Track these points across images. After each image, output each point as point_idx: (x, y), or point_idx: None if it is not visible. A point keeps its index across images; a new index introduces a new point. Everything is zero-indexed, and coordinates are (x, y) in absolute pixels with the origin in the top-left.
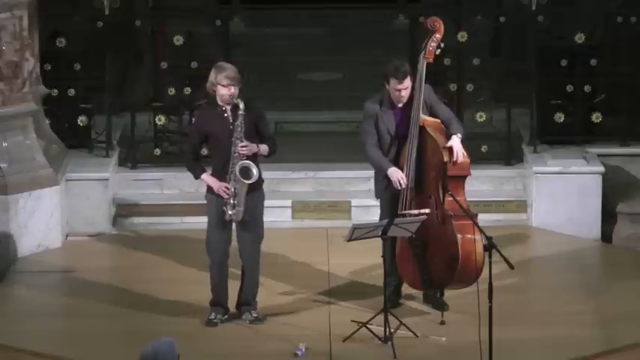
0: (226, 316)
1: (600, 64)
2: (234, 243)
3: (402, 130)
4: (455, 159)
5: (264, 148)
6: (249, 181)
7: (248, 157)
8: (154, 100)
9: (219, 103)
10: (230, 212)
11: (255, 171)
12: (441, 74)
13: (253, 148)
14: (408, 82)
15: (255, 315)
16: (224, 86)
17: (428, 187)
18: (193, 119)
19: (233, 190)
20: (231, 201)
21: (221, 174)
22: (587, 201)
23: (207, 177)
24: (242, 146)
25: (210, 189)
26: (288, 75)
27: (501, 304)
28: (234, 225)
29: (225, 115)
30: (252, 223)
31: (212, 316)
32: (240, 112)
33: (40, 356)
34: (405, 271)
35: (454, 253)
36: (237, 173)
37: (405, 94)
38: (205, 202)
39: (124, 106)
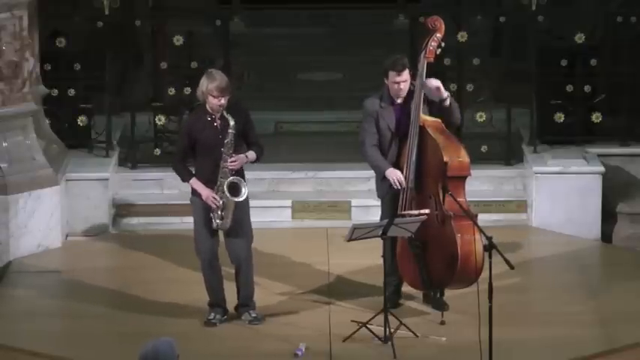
0: (225, 317)
1: (600, 64)
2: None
3: (402, 126)
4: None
5: (252, 156)
6: (238, 199)
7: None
8: (154, 100)
9: (209, 111)
10: (218, 221)
11: (244, 189)
12: (441, 74)
13: (242, 160)
14: (406, 75)
15: (254, 315)
16: (214, 97)
17: (428, 188)
18: (183, 122)
19: (221, 203)
20: (219, 212)
21: (207, 184)
22: (587, 201)
23: (195, 182)
24: (232, 161)
25: (195, 192)
26: (288, 75)
27: (501, 304)
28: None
29: (215, 124)
30: (238, 227)
31: (211, 317)
32: (230, 131)
33: (39, 356)
34: (405, 271)
35: (454, 253)
36: (226, 190)
37: (404, 87)
38: (190, 204)
39: (124, 106)
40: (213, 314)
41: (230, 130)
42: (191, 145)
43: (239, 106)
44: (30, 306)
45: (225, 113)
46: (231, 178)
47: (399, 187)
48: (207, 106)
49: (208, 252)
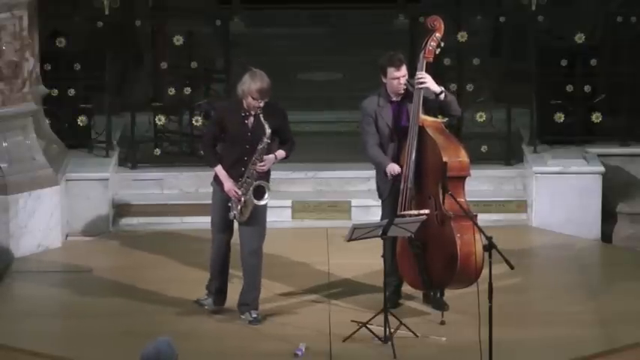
0: (218, 308)
1: (600, 64)
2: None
3: (401, 124)
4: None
5: (280, 155)
6: (260, 203)
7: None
8: (154, 100)
9: (245, 108)
10: (235, 213)
11: (267, 194)
12: (441, 74)
13: (271, 161)
14: (404, 70)
15: (254, 316)
16: (254, 99)
17: (428, 188)
18: (213, 111)
19: (242, 200)
20: (238, 206)
21: (227, 170)
22: (587, 201)
23: (220, 171)
24: (261, 166)
25: (217, 179)
26: (288, 75)
27: (501, 304)
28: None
29: (246, 121)
30: (253, 219)
31: (203, 298)
32: (266, 139)
33: (39, 356)
34: (405, 271)
35: (453, 253)
36: (251, 192)
37: (404, 82)
38: (211, 188)
39: (124, 106)
40: (206, 297)
41: (265, 139)
42: (220, 134)
43: (277, 106)
44: (30, 306)
45: (262, 118)
46: (259, 181)
47: (392, 176)
48: (245, 104)
49: (217, 240)
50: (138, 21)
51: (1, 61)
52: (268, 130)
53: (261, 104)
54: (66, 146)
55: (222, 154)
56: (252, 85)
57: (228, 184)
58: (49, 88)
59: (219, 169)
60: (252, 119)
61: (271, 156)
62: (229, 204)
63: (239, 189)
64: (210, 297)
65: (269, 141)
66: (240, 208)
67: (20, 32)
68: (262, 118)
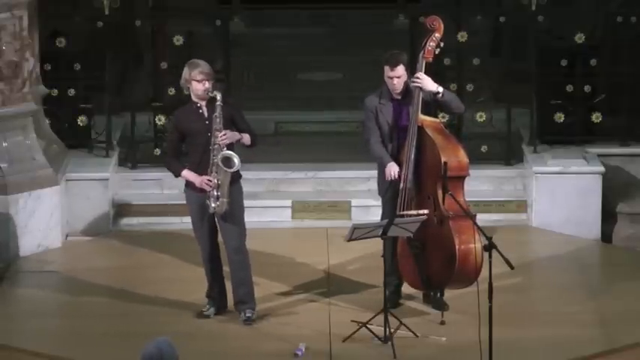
0: (219, 309)
1: (600, 64)
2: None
3: (401, 122)
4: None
5: (246, 138)
6: (232, 170)
7: (228, 148)
8: (154, 100)
9: (194, 99)
10: (214, 205)
11: (236, 160)
12: (441, 74)
13: (235, 135)
14: (400, 71)
15: (248, 314)
16: (198, 81)
17: (427, 188)
18: (170, 118)
19: (216, 181)
20: (215, 193)
21: (197, 170)
22: (587, 201)
23: (187, 173)
24: (222, 136)
25: (188, 184)
26: (288, 75)
27: (501, 304)
28: (216, 219)
29: (200, 111)
30: (230, 216)
31: (205, 309)
32: (218, 103)
33: (40, 356)
34: (405, 271)
35: (452, 253)
36: (220, 163)
37: (398, 82)
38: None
39: (124, 106)
40: (207, 306)
41: (217, 103)
42: (181, 139)
43: (225, 96)
44: (30, 306)
45: (210, 93)
46: (224, 152)
47: (392, 179)
48: (193, 95)
49: (203, 242)
50: (138, 21)
51: (1, 61)
52: (219, 96)
53: (208, 86)
54: (66, 146)
55: (188, 158)
56: (191, 71)
57: (199, 179)
58: (49, 88)
59: (186, 173)
60: (205, 109)
61: (235, 132)
62: (206, 201)
63: (210, 173)
64: (212, 304)
65: (222, 104)
66: (217, 195)
67: (20, 32)
68: (210, 93)
